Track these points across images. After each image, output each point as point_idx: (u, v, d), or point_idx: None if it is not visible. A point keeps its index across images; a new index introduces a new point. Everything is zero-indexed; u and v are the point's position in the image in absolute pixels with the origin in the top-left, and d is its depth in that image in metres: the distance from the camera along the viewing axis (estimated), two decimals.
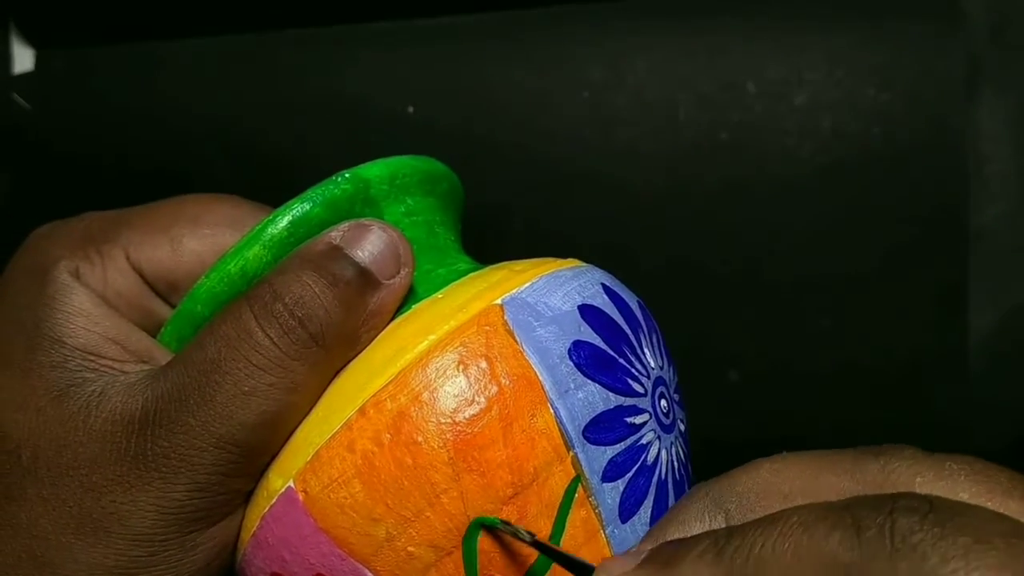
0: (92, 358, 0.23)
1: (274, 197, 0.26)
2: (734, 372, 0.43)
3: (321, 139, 0.46)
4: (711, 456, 0.43)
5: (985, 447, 0.42)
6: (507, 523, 0.22)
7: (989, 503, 0.18)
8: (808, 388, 0.43)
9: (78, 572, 0.22)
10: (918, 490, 0.19)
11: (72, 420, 0.22)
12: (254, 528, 0.23)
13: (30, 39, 0.48)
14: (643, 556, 0.20)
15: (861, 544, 0.17)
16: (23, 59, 0.48)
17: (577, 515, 0.22)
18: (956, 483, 0.19)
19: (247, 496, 0.23)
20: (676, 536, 0.21)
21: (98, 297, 0.24)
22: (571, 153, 0.44)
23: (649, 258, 0.44)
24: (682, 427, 0.26)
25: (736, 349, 0.43)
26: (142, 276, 0.25)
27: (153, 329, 0.26)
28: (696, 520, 0.21)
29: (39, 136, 0.48)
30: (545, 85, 0.44)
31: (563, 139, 0.44)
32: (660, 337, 0.27)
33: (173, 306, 0.26)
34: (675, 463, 0.25)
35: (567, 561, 0.22)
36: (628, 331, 0.25)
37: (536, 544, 0.22)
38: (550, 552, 0.22)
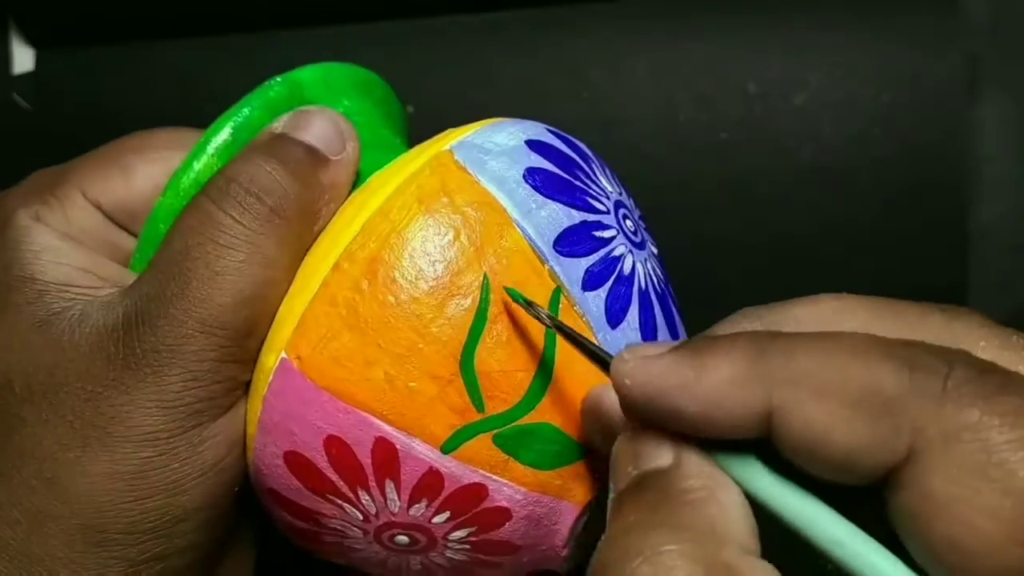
0: (67, 288, 0.23)
1: None
2: None
3: None
4: None
5: None
6: (530, 301, 0.22)
7: None
8: None
9: (92, 485, 0.22)
10: (980, 353, 0.18)
11: (58, 342, 0.22)
12: (258, 414, 0.23)
13: (30, 39, 0.48)
14: (674, 344, 0.19)
15: (911, 380, 0.16)
16: (23, 59, 0.48)
17: (566, 323, 0.22)
18: (1019, 355, 0.18)
19: (246, 388, 0.23)
20: None
21: (62, 234, 0.24)
22: None
23: None
24: (655, 250, 0.27)
25: None
26: (101, 210, 0.26)
27: (122, 262, 0.26)
28: None
29: (39, 136, 0.48)
30: (545, 85, 0.44)
31: None
32: (613, 172, 0.27)
33: (136, 236, 0.26)
34: (653, 277, 0.25)
35: (586, 348, 0.21)
36: (579, 160, 0.25)
37: (557, 326, 0.22)
38: (569, 336, 0.22)
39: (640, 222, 0.27)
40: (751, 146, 0.43)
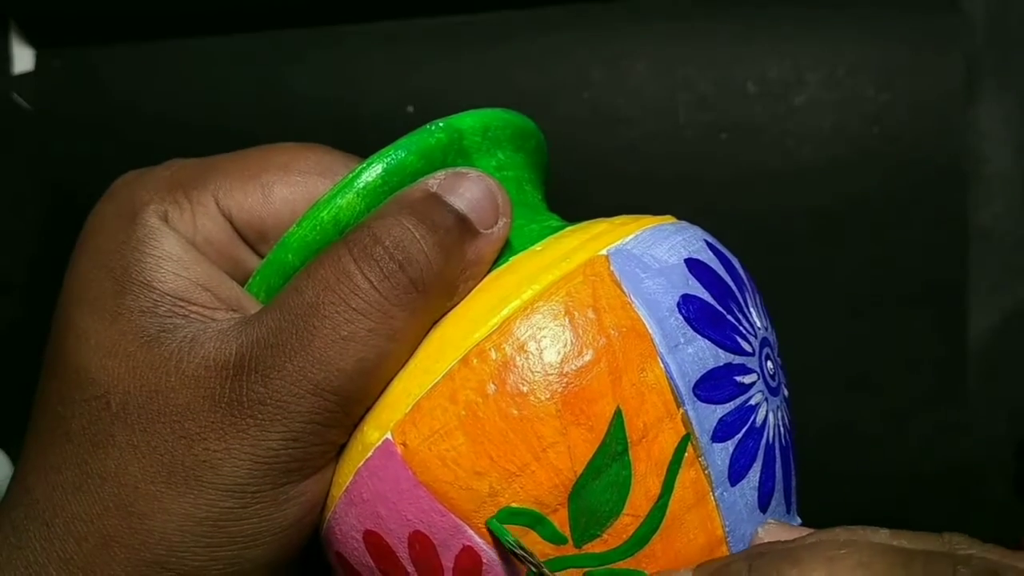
0: (182, 304, 0.22)
1: None
2: None
3: (321, 139, 0.46)
4: None
5: (985, 447, 0.42)
6: (520, 546, 0.21)
7: None
8: (807, 388, 0.43)
9: (168, 523, 0.21)
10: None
11: (164, 366, 0.21)
12: (347, 483, 0.22)
13: (30, 39, 0.48)
14: None
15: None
16: (23, 59, 0.48)
17: (687, 475, 0.21)
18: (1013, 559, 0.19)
19: (339, 451, 0.23)
20: None
21: (187, 242, 0.23)
22: (571, 153, 0.44)
23: None
24: (786, 393, 0.25)
25: None
26: (231, 223, 0.25)
27: (241, 279, 0.25)
28: None
29: (39, 136, 0.48)
30: (545, 85, 0.44)
31: (563, 139, 0.44)
32: (762, 299, 0.26)
33: (261, 256, 0.25)
34: (781, 428, 0.24)
35: None
36: (735, 288, 0.24)
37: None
38: None
39: (778, 360, 0.25)
40: (751, 146, 0.43)
